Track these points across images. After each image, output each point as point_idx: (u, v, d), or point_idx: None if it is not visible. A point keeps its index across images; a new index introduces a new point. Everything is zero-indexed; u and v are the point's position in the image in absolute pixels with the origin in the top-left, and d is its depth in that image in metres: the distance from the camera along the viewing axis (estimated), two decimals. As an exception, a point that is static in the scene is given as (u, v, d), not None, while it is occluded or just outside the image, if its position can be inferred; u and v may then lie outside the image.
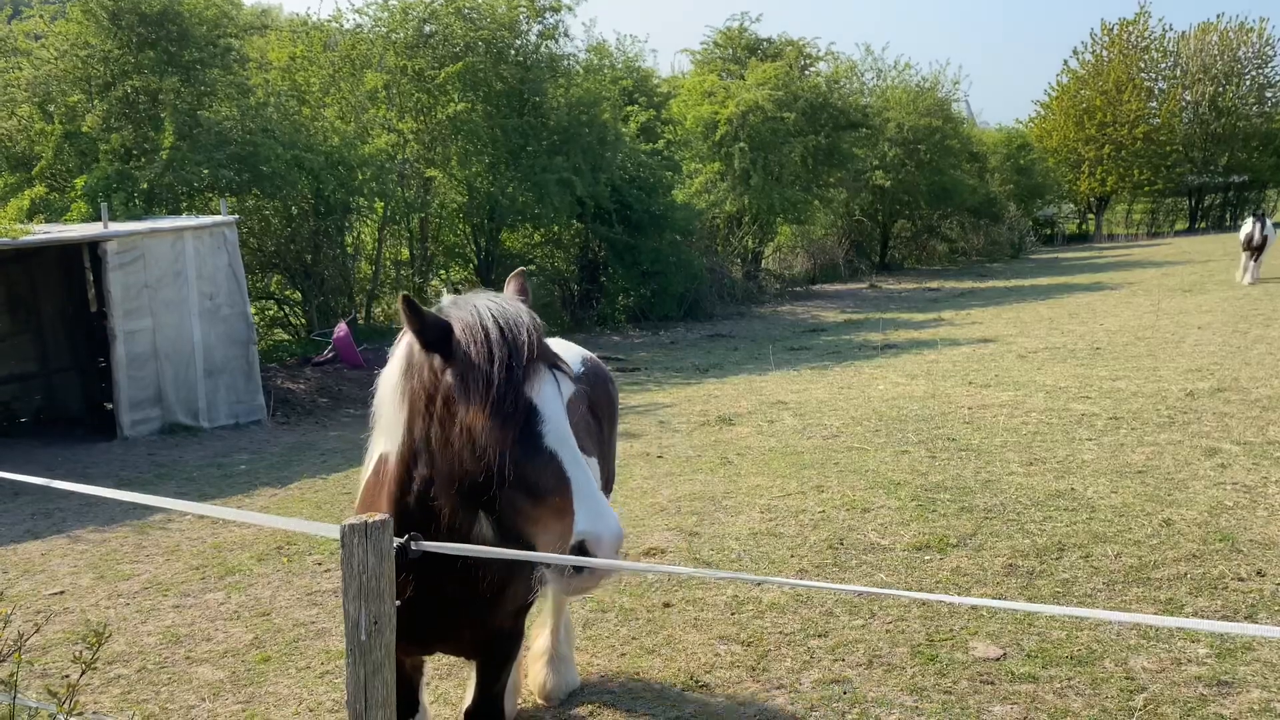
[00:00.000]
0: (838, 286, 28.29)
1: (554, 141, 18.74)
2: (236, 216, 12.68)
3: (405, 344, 2.73)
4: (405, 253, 19.71)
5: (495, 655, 3.21)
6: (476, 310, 2.59)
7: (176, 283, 11.40)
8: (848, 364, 14.14)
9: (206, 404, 11.64)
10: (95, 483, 6.12)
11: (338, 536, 2.45)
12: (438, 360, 2.55)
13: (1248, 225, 20.74)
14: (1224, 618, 4.94)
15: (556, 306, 21.02)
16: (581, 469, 2.45)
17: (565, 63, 20.47)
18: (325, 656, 5.01)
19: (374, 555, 2.42)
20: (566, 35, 20.11)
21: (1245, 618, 4.93)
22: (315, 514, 7.76)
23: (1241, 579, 5.39)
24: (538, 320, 2.66)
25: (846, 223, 33.05)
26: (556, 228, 20.43)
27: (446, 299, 2.72)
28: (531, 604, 3.24)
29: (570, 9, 19.55)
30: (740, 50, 30.80)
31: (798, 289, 27.50)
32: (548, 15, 19.34)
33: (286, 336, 17.49)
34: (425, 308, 2.58)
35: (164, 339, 11.34)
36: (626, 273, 20.98)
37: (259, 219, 16.23)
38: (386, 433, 2.84)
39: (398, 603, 2.50)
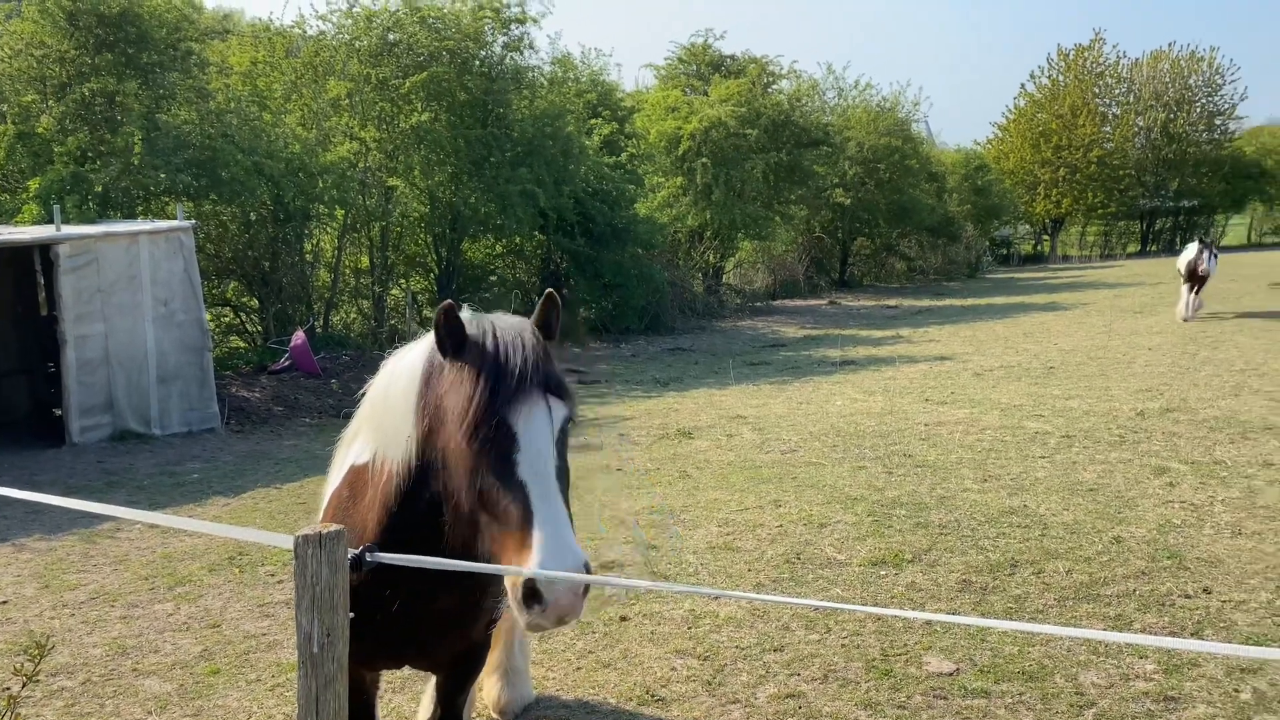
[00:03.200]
0: (798, 302, 28.49)
1: (518, 153, 18.72)
2: (194, 222, 12.50)
3: (424, 351, 2.70)
4: (365, 261, 19.54)
5: (465, 668, 3.19)
6: (482, 327, 2.59)
7: (130, 288, 11.21)
8: (806, 379, 14.24)
9: (159, 411, 11.44)
10: (42, 490, 6.00)
11: (291, 547, 2.42)
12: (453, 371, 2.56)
13: (1190, 252, 18.81)
14: (1171, 634, 5.03)
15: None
16: (551, 505, 2.40)
17: (530, 75, 20.45)
18: (276, 669, 4.93)
19: (328, 566, 2.39)
20: (532, 48, 20.10)
21: (1192, 634, 5.02)
22: (269, 524, 7.65)
23: (1188, 596, 5.50)
24: (543, 344, 2.62)
25: (807, 239, 33.32)
26: (519, 239, 20.39)
27: (467, 314, 2.71)
28: (500, 616, 3.23)
29: (536, 21, 19.63)
30: (704, 66, 31.04)
31: (758, 304, 27.65)
32: (513, 27, 19.33)
33: (242, 344, 17.25)
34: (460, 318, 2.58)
35: (116, 344, 11.14)
36: (588, 285, 20.97)
37: (216, 224, 16.01)
38: (380, 441, 2.78)
39: (378, 615, 2.48)
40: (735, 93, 25.91)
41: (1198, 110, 51.02)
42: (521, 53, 19.81)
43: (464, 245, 20.31)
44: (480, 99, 18.47)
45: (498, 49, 19.34)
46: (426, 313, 20.77)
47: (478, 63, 18.68)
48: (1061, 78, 51.35)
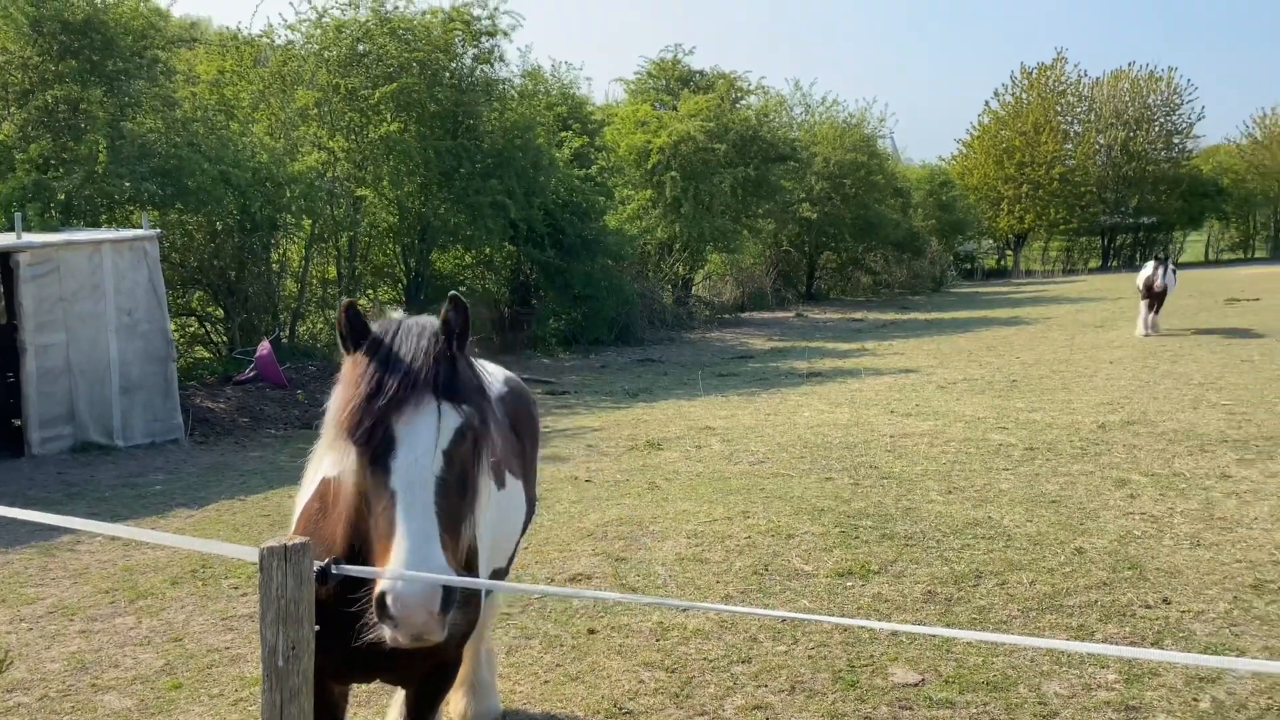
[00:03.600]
0: (765, 315, 28.65)
1: (488, 164, 18.70)
2: (159, 231, 12.36)
3: None
4: (333, 271, 19.40)
5: (436, 683, 3.16)
6: (387, 325, 2.55)
7: (93, 297, 11.06)
8: (774, 391, 14.31)
9: (121, 422, 11.28)
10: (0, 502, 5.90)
11: (256, 560, 2.40)
12: None
13: (1148, 269, 18.99)
14: (1132, 644, 5.10)
15: (487, 329, 20.89)
16: (418, 518, 2.32)
17: (500, 87, 20.46)
18: (240, 683, 4.88)
19: (293, 579, 2.38)
20: (502, 60, 20.11)
21: (1152, 644, 5.09)
22: (233, 536, 7.57)
23: (1148, 606, 5.58)
24: (444, 347, 2.54)
25: (774, 253, 33.55)
26: (488, 250, 20.35)
27: (400, 315, 2.69)
28: (472, 632, 3.21)
29: (506, 34, 19.58)
30: (673, 81, 31.21)
31: (726, 316, 27.77)
32: (483, 39, 19.34)
33: (207, 354, 17.06)
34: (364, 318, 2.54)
35: (78, 354, 10.98)
36: (558, 296, 20.97)
37: (182, 234, 15.84)
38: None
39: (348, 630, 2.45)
40: (704, 108, 26.07)
41: (1156, 129, 52.05)
42: (492, 65, 19.82)
43: (433, 256, 20.25)
44: (450, 110, 18.46)
45: (468, 61, 19.34)
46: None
47: (448, 74, 18.67)
48: (1025, 95, 52.19)
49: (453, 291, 2.76)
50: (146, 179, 13.61)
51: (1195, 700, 4.44)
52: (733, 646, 5.16)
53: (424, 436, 2.41)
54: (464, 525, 2.55)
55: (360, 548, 2.58)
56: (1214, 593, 5.73)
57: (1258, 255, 54.69)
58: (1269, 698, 4.42)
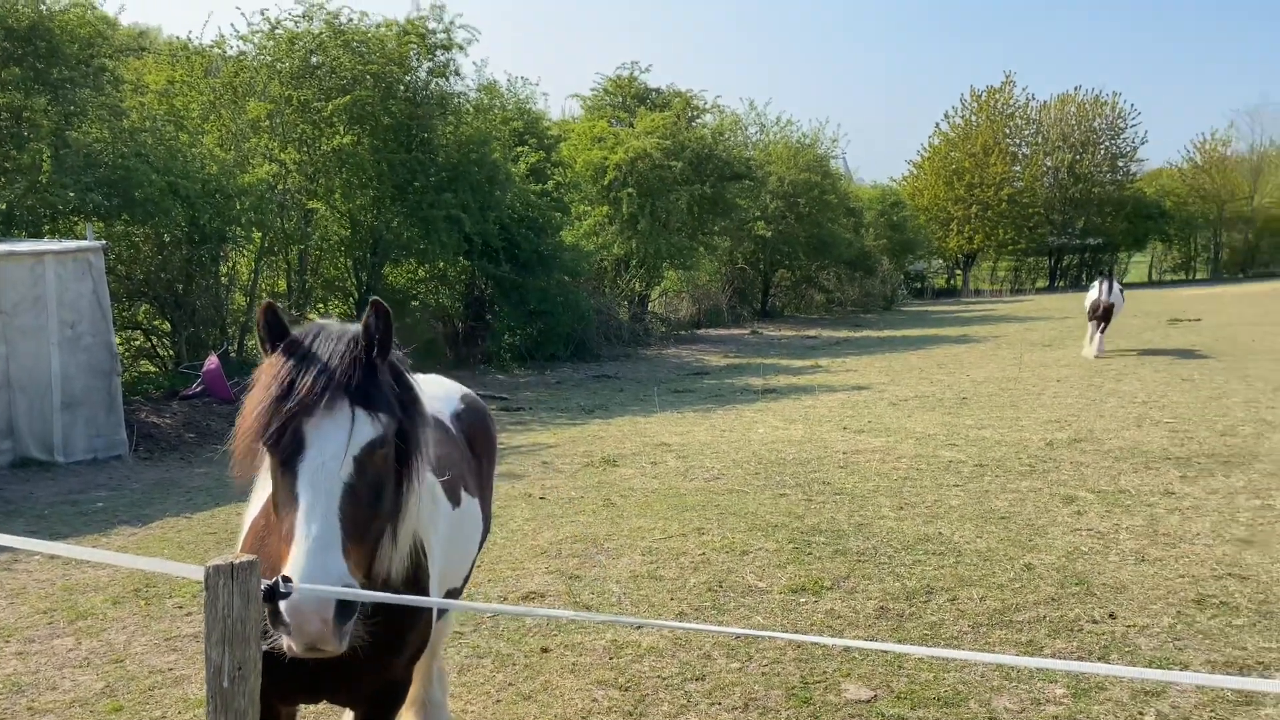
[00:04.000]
0: (721, 331, 28.78)
1: (442, 178, 18.61)
2: (104, 243, 12.11)
3: None
4: (283, 285, 19.14)
5: (385, 703, 3.11)
6: (309, 329, 2.52)
7: (35, 309, 10.80)
8: (729, 407, 14.36)
9: (63, 438, 11.00)
10: (-67, 520, 5.71)
11: (201, 578, 2.35)
12: None
13: (1094, 290, 19.13)
14: (1079, 659, 5.17)
15: (441, 343, 20.74)
16: (319, 523, 2.28)
17: (456, 101, 20.39)
18: (182, 705, 4.76)
19: (240, 598, 2.33)
20: (458, 74, 20.05)
21: (1099, 659, 5.17)
22: (178, 554, 7.40)
23: (1095, 621, 5.67)
24: (364, 353, 2.49)
25: (730, 270, 33.78)
26: (442, 264, 20.22)
27: (333, 321, 2.66)
28: (423, 651, 3.15)
29: (461, 48, 19.54)
30: (629, 98, 31.35)
31: (682, 333, 27.87)
32: (439, 53, 19.27)
33: (153, 368, 16.73)
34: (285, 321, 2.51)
35: (18, 368, 10.70)
36: (513, 311, 20.88)
37: (128, 245, 15.54)
38: None
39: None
40: (660, 125, 26.22)
41: (1101, 152, 53.31)
42: (447, 78, 19.76)
43: (385, 270, 20.08)
44: (404, 123, 18.35)
45: (423, 74, 19.25)
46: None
47: (402, 87, 18.57)
48: (974, 118, 53.21)
49: (374, 297, 2.73)
50: (92, 189, 13.34)
51: (1141, 714, 4.50)
52: (687, 664, 5.14)
53: (333, 441, 2.36)
54: (375, 535, 2.49)
55: None
56: (1158, 607, 5.84)
57: (1199, 276, 56.12)
58: (1211, 711, 4.50)
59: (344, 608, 2.28)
